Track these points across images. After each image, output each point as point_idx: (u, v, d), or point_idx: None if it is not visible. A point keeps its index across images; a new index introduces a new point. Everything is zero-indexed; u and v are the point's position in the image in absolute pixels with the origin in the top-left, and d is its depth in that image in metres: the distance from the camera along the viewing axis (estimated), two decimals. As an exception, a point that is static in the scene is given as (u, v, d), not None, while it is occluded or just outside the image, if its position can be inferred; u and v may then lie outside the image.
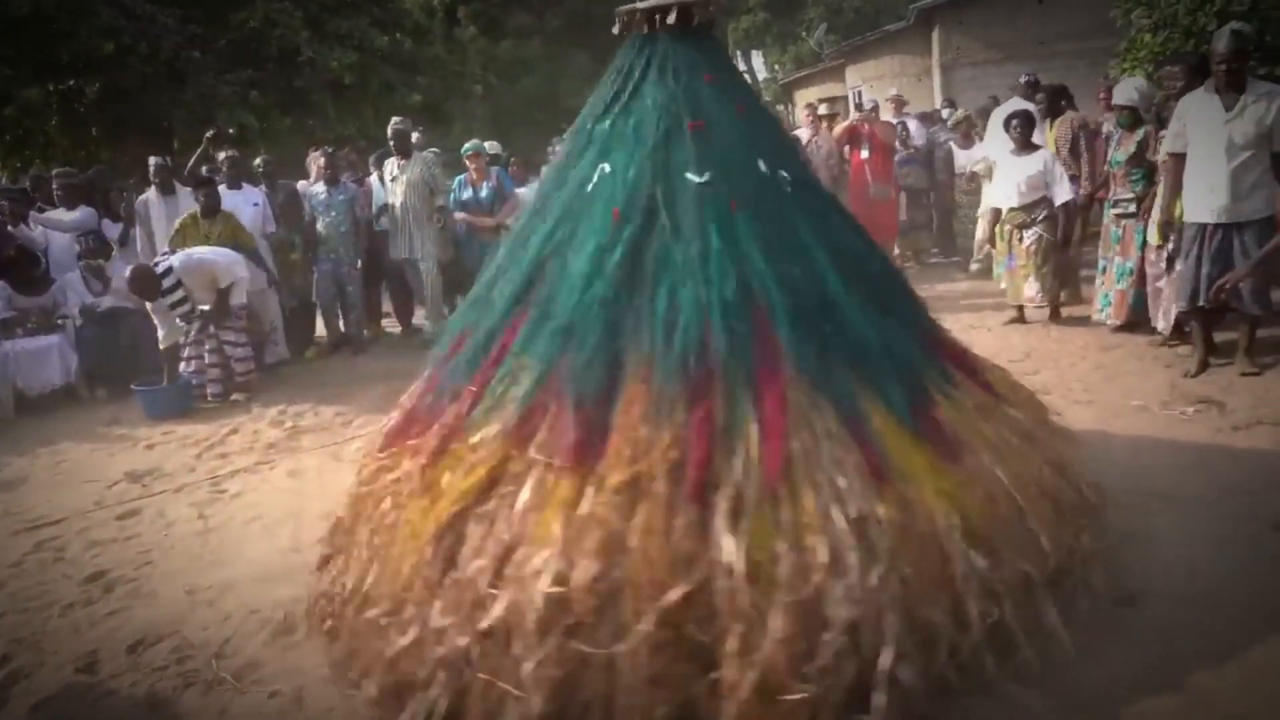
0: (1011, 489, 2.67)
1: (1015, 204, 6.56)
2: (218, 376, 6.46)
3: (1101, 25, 10.25)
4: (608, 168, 3.05)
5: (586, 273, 2.83)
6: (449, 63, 15.77)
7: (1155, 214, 5.56)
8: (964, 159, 8.87)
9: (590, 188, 3.06)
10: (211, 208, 6.85)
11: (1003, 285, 7.00)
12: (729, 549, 2.26)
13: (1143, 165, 5.84)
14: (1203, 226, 4.96)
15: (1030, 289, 6.68)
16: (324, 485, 4.71)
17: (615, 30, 3.26)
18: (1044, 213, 6.48)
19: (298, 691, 2.86)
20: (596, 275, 2.81)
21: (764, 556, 2.27)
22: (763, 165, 3.08)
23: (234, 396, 6.46)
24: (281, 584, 3.56)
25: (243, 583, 3.64)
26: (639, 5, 3.18)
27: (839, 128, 9.29)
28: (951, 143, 9.35)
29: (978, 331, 6.56)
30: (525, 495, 2.49)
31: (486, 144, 9.50)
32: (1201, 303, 5.03)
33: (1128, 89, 6.03)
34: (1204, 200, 4.94)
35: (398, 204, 7.60)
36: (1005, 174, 6.66)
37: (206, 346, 6.43)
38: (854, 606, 2.21)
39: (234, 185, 7.39)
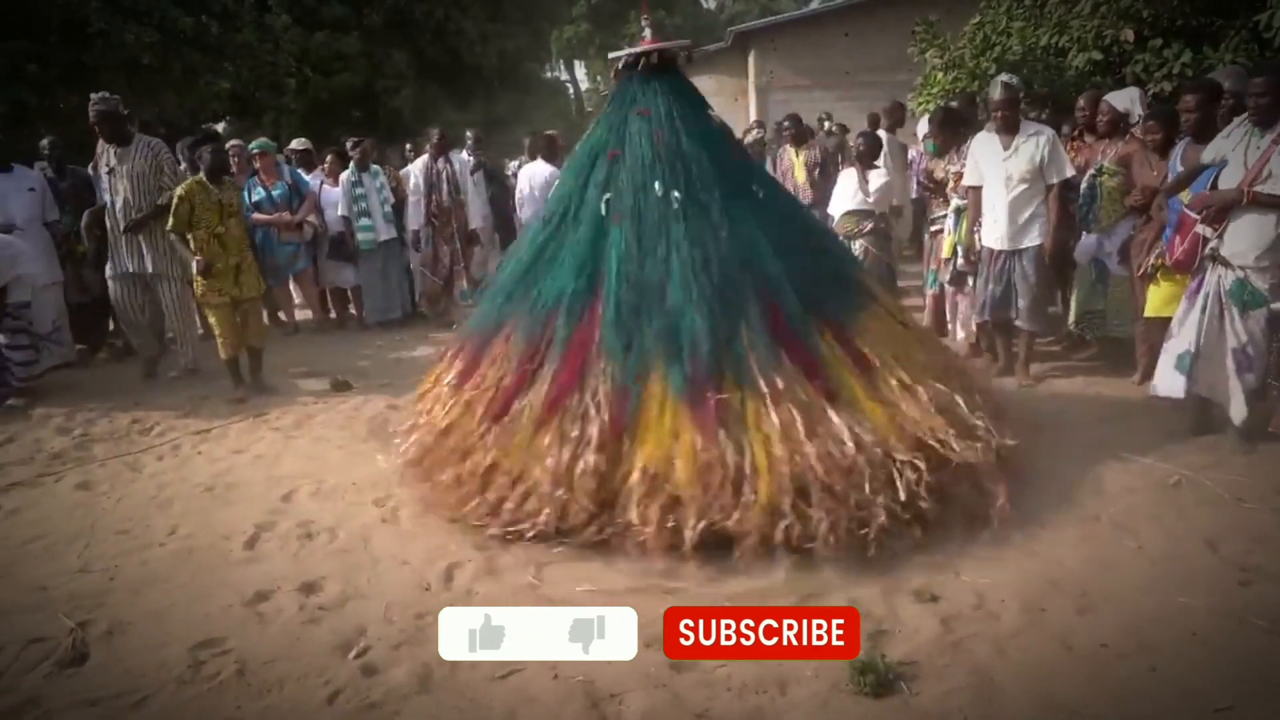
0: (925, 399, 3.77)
1: (847, 208, 6.97)
2: (-11, 380, 5.80)
3: (900, 61, 11.03)
4: (609, 196, 4.03)
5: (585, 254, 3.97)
6: (260, 51, 14.87)
7: (949, 234, 6.13)
8: None
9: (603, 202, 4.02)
10: (221, 165, 5.97)
11: None
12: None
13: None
14: (991, 251, 5.50)
15: None
16: (120, 498, 4.36)
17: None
18: (871, 225, 6.92)
19: (89, 726, 2.64)
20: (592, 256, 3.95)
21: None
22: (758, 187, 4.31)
23: (10, 402, 5.82)
24: (69, 608, 3.26)
25: (19, 610, 3.30)
26: (630, 50, 4.24)
27: None
28: None
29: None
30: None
31: (295, 141, 9.14)
32: (986, 318, 5.60)
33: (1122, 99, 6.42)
34: (990, 229, 5.50)
35: (118, 204, 6.25)
36: (846, 183, 7.08)
37: (-24, 346, 5.77)
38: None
39: (1, 168, 6.61)
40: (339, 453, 4.86)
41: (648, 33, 4.26)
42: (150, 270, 6.31)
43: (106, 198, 6.38)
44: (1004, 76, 5.50)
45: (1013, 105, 5.31)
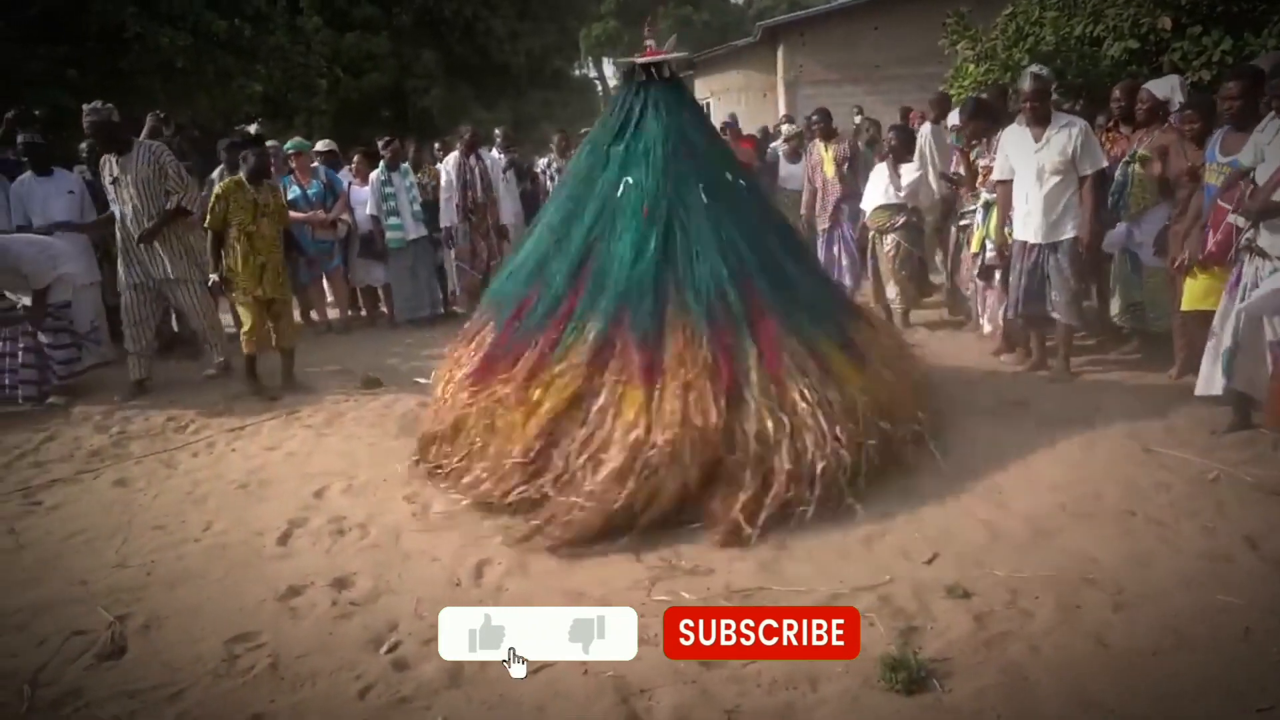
0: (894, 382, 4.38)
1: (880, 203, 6.94)
2: (31, 378, 5.92)
3: (930, 53, 10.91)
4: (630, 180, 4.38)
5: (631, 256, 4.21)
6: (292, 53, 15.03)
7: (980, 228, 6.07)
8: (787, 172, 9.32)
9: (620, 194, 4.39)
10: (262, 169, 6.06)
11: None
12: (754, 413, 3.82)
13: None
14: (1023, 244, 5.41)
15: (890, 292, 7.14)
16: (156, 495, 4.43)
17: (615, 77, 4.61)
18: (903, 219, 6.88)
19: (128, 717, 2.68)
20: (639, 257, 4.20)
21: (770, 419, 3.80)
22: (729, 176, 4.61)
23: (51, 400, 5.94)
24: (108, 602, 3.32)
25: (61, 603, 3.37)
26: (636, 59, 4.64)
27: None
28: (780, 153, 9.69)
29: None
30: (601, 400, 3.87)
31: (320, 143, 9.24)
32: (1019, 312, 5.53)
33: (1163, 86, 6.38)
34: (1022, 222, 5.41)
35: (128, 213, 6.11)
36: (878, 178, 7.05)
37: (21, 344, 5.88)
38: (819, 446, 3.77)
39: (42, 171, 6.74)
40: (370, 450, 4.90)
41: (651, 43, 4.68)
42: (171, 276, 6.22)
43: (115, 209, 6.24)
44: (1034, 68, 5.40)
45: (1043, 97, 5.21)
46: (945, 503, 3.87)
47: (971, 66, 8.80)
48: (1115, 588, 3.08)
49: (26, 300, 5.88)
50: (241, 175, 5.96)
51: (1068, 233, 5.27)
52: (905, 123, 8.73)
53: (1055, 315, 5.43)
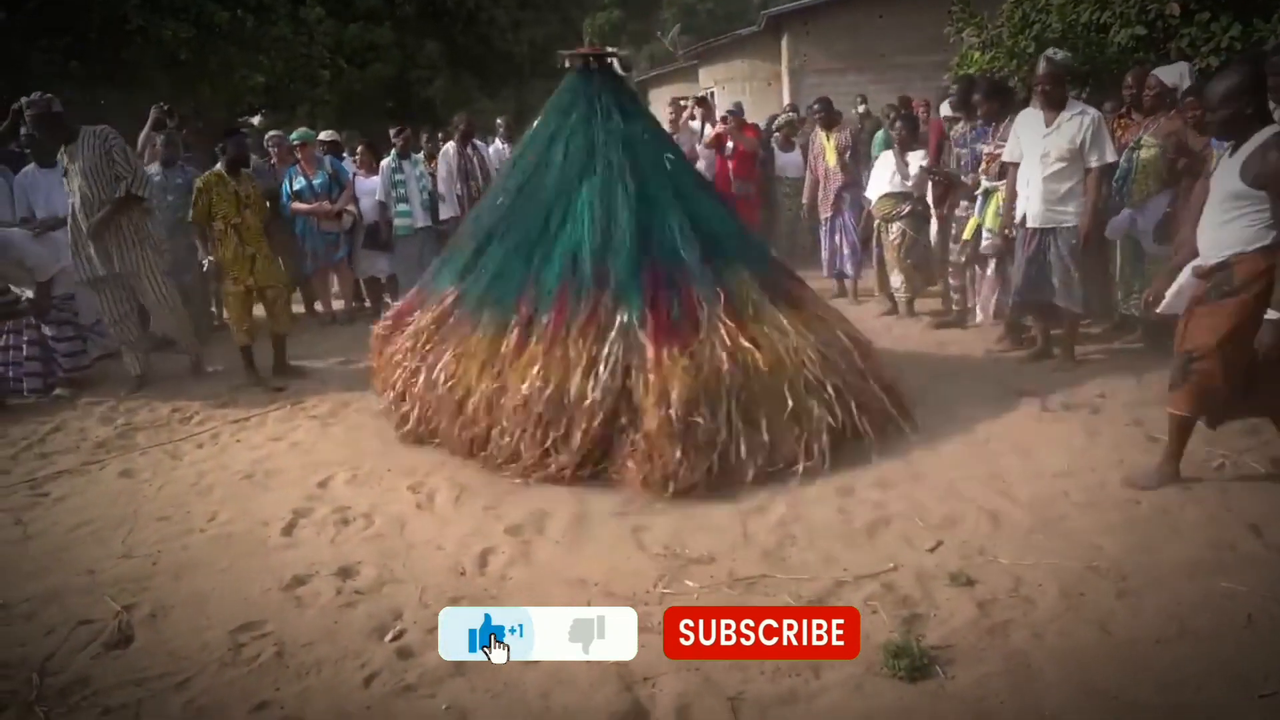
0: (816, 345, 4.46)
1: (884, 191, 6.96)
2: (36, 370, 5.94)
3: (935, 41, 10.84)
4: (670, 156, 5.00)
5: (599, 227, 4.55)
6: (294, 43, 15.03)
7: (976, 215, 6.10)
8: (783, 161, 9.30)
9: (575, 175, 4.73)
10: (241, 159, 6.15)
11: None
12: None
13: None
14: (1026, 230, 5.40)
15: (895, 280, 7.14)
16: (161, 486, 4.45)
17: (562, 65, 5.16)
18: (909, 207, 6.87)
19: (136, 705, 2.69)
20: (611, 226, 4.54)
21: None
22: (668, 160, 4.94)
23: (57, 392, 5.96)
24: (115, 592, 3.34)
25: (68, 593, 3.39)
26: (580, 51, 5.05)
27: (709, 135, 9.57)
28: (774, 144, 9.65)
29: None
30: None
31: (323, 133, 9.24)
32: (1021, 299, 5.53)
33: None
34: (1024, 206, 5.40)
35: (76, 203, 5.81)
36: (883, 167, 7.03)
37: (25, 337, 5.91)
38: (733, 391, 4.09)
39: (46, 163, 6.75)
40: (374, 440, 4.91)
41: (594, 40, 5.23)
42: (119, 270, 5.89)
43: (68, 200, 5.95)
44: (1049, 51, 5.36)
45: (1054, 80, 5.17)
46: (949, 491, 3.87)
47: (977, 54, 8.74)
48: (1119, 575, 3.08)
49: (30, 293, 5.89)
50: (220, 167, 5.97)
51: (1069, 220, 5.25)
52: (907, 111, 8.69)
53: (1057, 301, 5.42)
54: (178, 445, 5.04)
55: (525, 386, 4.16)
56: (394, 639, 2.95)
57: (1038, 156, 5.24)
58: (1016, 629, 2.83)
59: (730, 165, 8.97)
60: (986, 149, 6.03)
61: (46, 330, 5.97)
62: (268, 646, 2.94)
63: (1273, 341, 3.34)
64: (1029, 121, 5.38)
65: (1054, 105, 5.20)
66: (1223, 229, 3.50)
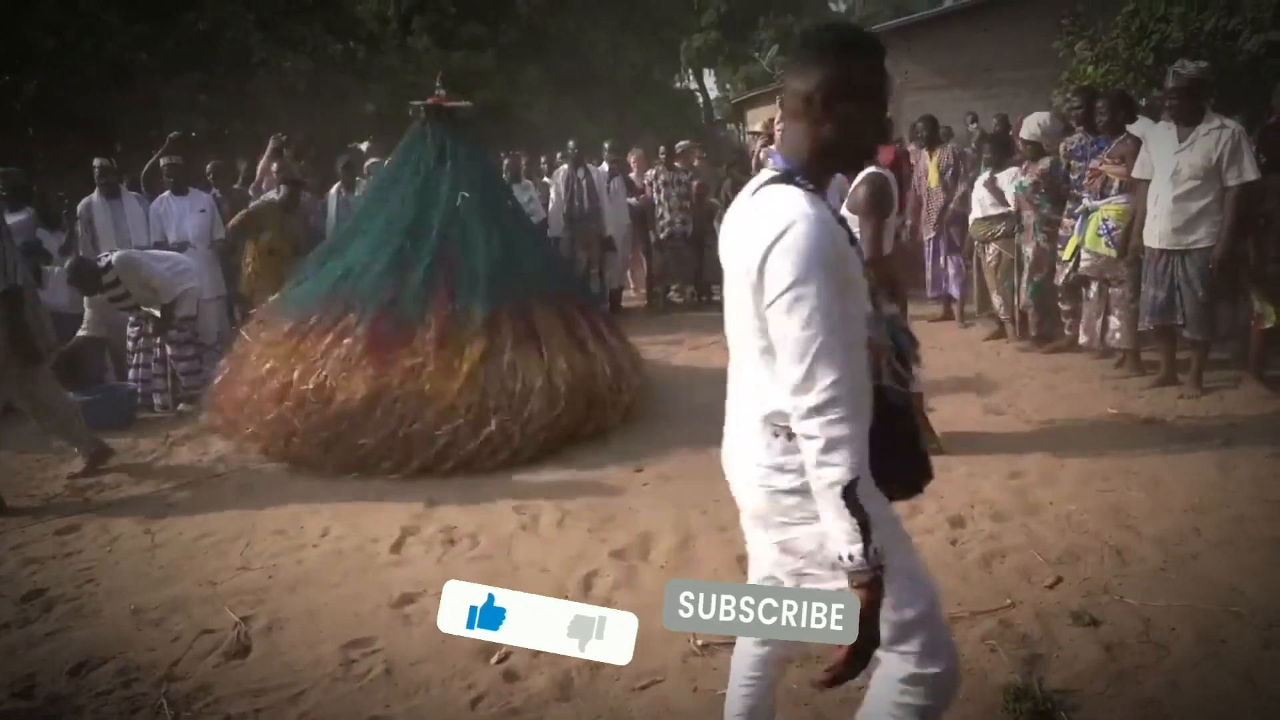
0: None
1: (979, 215, 6.82)
2: (165, 387, 6.26)
3: (1044, 55, 10.50)
4: (465, 194, 5.54)
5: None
6: (402, 72, 15.61)
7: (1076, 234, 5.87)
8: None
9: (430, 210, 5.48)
10: (293, 200, 7.14)
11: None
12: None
13: (1048, 191, 6.19)
14: (1153, 251, 5.15)
15: (995, 301, 6.98)
16: (276, 500, 4.60)
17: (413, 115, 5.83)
18: (1003, 228, 6.67)
19: (254, 715, 2.77)
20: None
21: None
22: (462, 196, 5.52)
23: (181, 407, 6.27)
24: (234, 603, 3.46)
25: (192, 602, 3.53)
26: (429, 102, 5.67)
27: None
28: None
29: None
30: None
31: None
32: (1149, 323, 5.25)
33: (1031, 124, 6.31)
34: (1152, 226, 5.13)
35: None
36: (979, 188, 6.89)
37: (155, 355, 6.24)
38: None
39: (180, 191, 7.18)
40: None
41: (441, 91, 5.71)
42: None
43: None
44: (1178, 64, 5.07)
45: (1183, 94, 4.89)
46: (1068, 524, 3.69)
47: (1090, 68, 8.44)
48: (1264, 622, 2.87)
49: (156, 312, 6.22)
50: (275, 199, 7.07)
51: (1201, 242, 4.96)
52: (1005, 129, 8.40)
53: (1186, 333, 5.14)
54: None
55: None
56: (500, 661, 2.97)
57: (1168, 174, 4.97)
58: (1148, 675, 2.66)
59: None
60: (1093, 165, 5.78)
61: (168, 349, 6.29)
62: (377, 663, 3.00)
63: None
64: (1160, 136, 5.11)
65: (1187, 119, 4.92)
66: None
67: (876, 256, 3.90)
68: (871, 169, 4.01)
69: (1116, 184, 5.55)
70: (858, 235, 3.44)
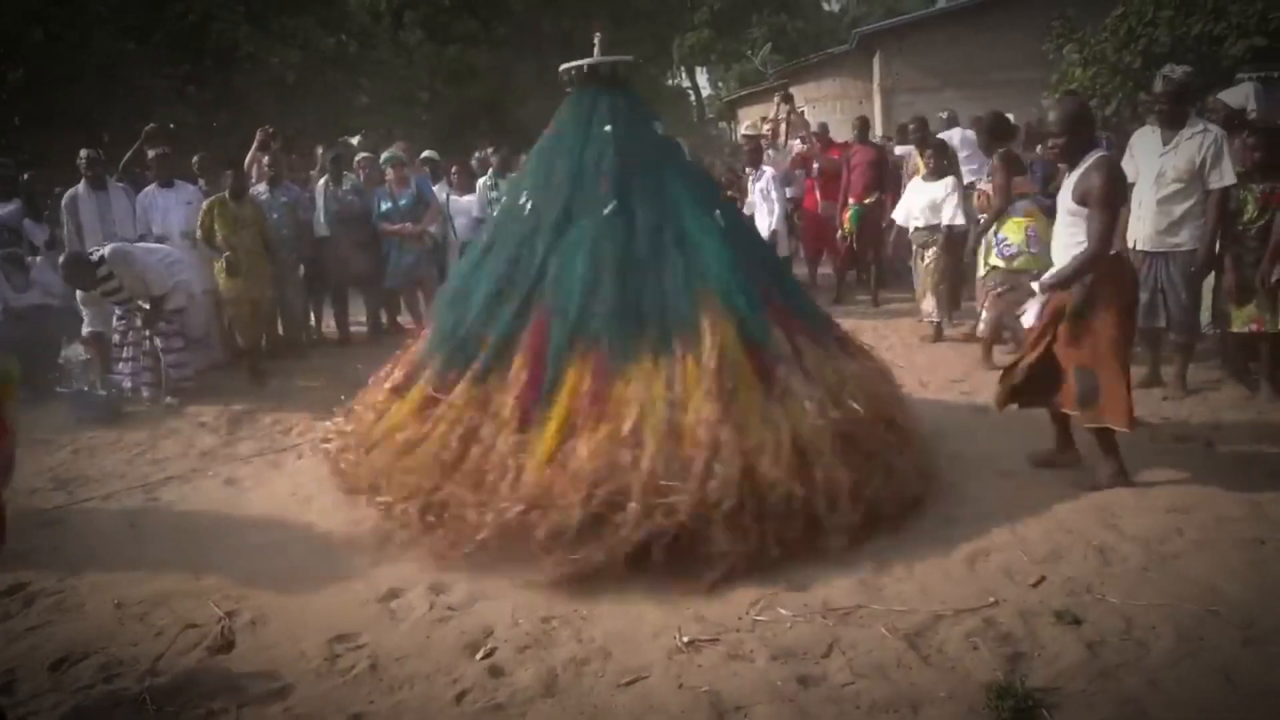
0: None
1: (920, 224, 6.92)
2: (152, 380, 6.23)
3: (1034, 58, 10.58)
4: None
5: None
6: (395, 67, 15.55)
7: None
8: None
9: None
10: (241, 189, 6.96)
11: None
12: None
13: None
14: (1138, 254, 5.17)
15: (927, 304, 7.03)
16: (262, 494, 4.59)
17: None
18: (942, 235, 6.75)
19: (237, 710, 2.77)
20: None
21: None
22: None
23: (167, 400, 6.23)
24: (219, 597, 3.45)
25: (177, 596, 3.51)
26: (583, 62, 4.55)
27: (794, 152, 9.54)
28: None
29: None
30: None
31: (425, 152, 9.48)
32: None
33: (953, 139, 6.40)
34: (1135, 228, 5.17)
35: None
36: (914, 196, 6.99)
37: (143, 348, 6.21)
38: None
39: (165, 184, 7.13)
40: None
41: (598, 50, 4.63)
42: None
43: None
44: (1166, 68, 5.14)
45: (1173, 98, 4.96)
46: (1051, 523, 3.71)
47: (1078, 71, 8.50)
48: (1243, 621, 2.89)
49: (145, 304, 6.19)
50: (225, 194, 6.81)
51: (1184, 245, 5.01)
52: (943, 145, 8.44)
53: (1172, 336, 5.18)
54: (279, 456, 5.20)
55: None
56: (485, 656, 2.97)
57: (1153, 177, 5.03)
58: (1129, 674, 2.68)
59: (816, 186, 8.94)
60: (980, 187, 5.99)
61: (156, 342, 6.25)
62: (362, 658, 2.99)
63: None
64: (1145, 139, 5.18)
65: (1172, 123, 4.98)
66: None
67: (1103, 253, 3.64)
68: (1099, 151, 3.69)
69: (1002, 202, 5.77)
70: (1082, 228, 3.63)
